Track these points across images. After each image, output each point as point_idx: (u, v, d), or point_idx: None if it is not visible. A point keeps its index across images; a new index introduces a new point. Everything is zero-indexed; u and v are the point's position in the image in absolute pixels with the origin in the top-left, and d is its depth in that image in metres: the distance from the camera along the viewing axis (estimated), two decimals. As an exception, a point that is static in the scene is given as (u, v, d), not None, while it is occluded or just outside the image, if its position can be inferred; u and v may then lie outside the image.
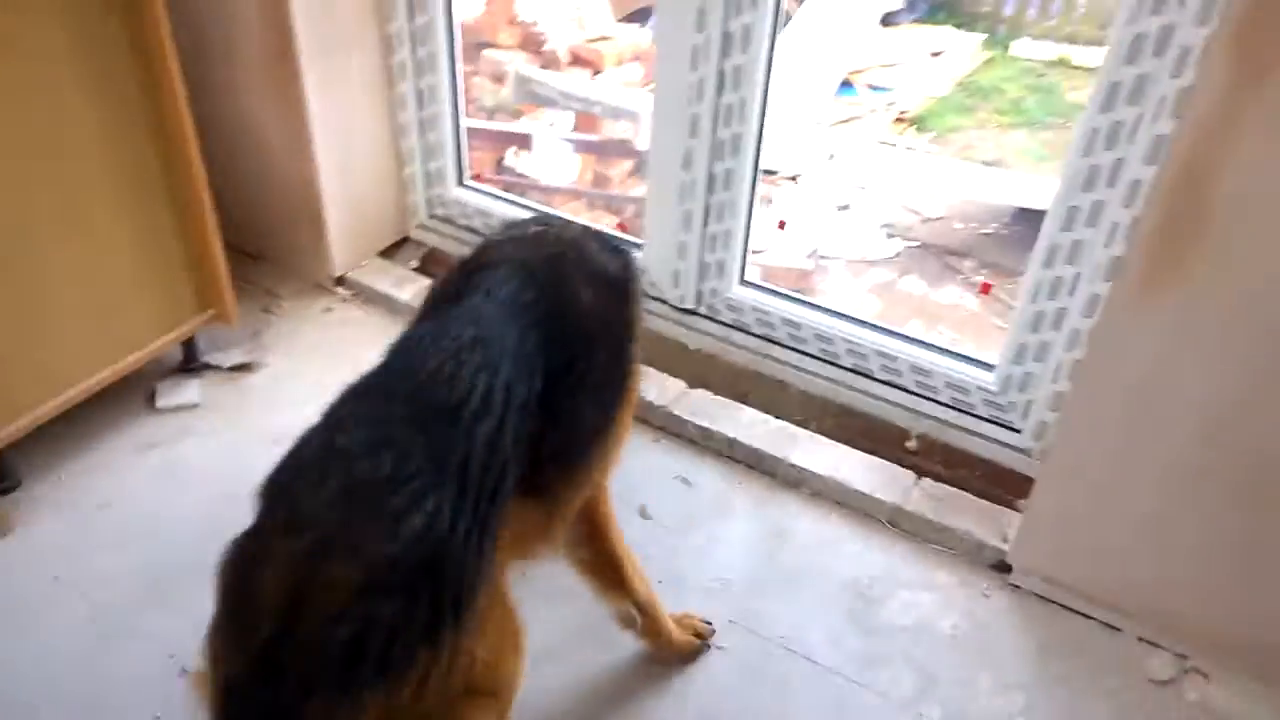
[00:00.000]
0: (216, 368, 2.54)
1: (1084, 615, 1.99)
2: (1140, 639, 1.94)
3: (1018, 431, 2.18)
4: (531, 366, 1.36)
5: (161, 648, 1.91)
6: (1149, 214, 1.57)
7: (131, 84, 2.08)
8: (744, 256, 2.41)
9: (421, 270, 2.86)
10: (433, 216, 2.89)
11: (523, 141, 3.69)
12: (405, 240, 2.94)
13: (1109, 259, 1.86)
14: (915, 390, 2.27)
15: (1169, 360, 1.65)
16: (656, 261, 2.48)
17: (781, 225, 4.38)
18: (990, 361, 2.20)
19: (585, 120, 3.83)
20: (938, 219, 4.68)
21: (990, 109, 5.60)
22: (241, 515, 2.11)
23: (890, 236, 4.53)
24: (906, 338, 2.30)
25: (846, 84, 5.71)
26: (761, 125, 2.23)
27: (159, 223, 2.27)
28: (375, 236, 2.88)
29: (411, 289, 2.75)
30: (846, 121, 5.54)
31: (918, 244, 4.49)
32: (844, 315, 2.36)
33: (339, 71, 2.54)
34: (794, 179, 4.85)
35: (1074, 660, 1.93)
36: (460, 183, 2.83)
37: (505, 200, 2.80)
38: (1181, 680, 1.88)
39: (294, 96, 2.48)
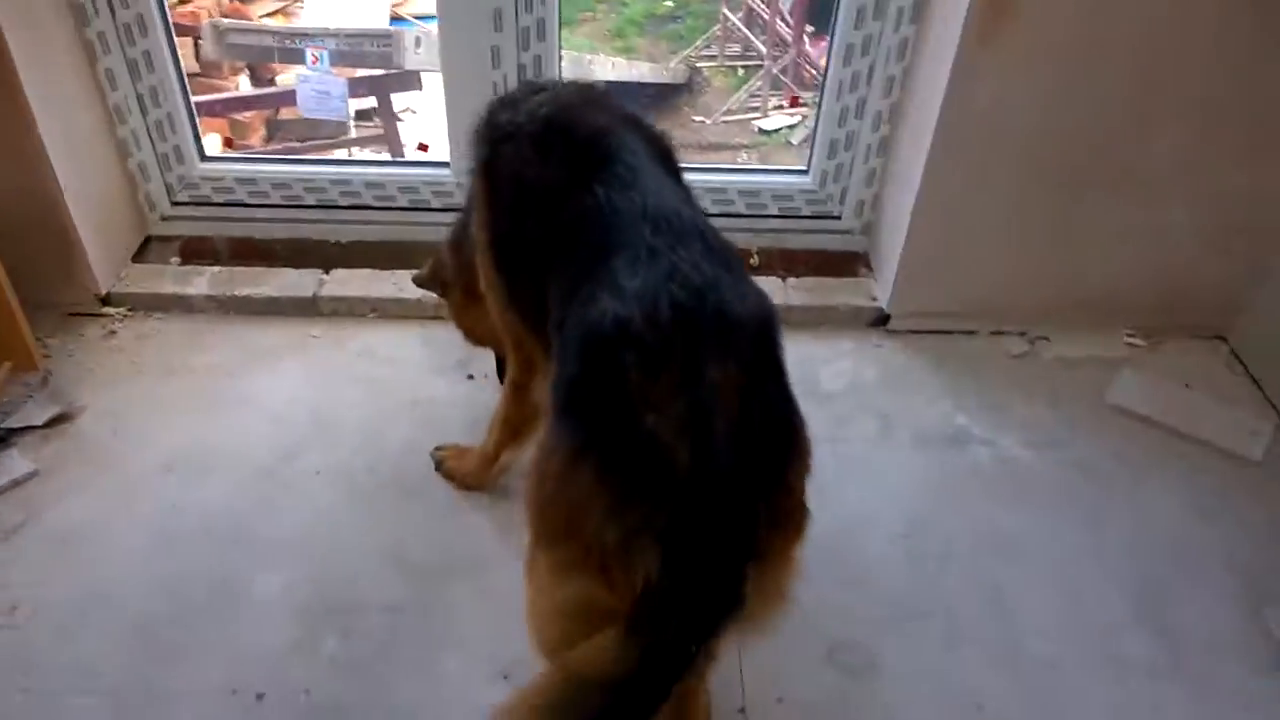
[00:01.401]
0: (29, 429, 2.10)
1: (947, 332, 2.48)
2: (991, 333, 2.48)
3: (838, 218, 2.58)
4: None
5: (208, 688, 1.69)
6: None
7: None
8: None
9: (188, 263, 2.54)
10: (177, 204, 2.57)
11: (283, 100, 3.28)
12: (149, 240, 2.58)
13: (898, 41, 2.28)
14: (748, 213, 2.57)
15: (1006, 94, 2.09)
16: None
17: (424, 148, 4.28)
18: (803, 167, 2.56)
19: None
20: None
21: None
22: (178, 547, 1.90)
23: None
24: (730, 169, 2.59)
25: (398, 19, 5.75)
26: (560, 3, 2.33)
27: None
28: (122, 243, 2.50)
29: (201, 282, 2.46)
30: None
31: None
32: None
33: (46, 51, 2.16)
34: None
35: (961, 363, 2.41)
36: (203, 158, 2.54)
37: (271, 160, 2.58)
38: (1034, 348, 2.45)
39: (6, 83, 2.07)
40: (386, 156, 3.32)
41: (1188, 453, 2.19)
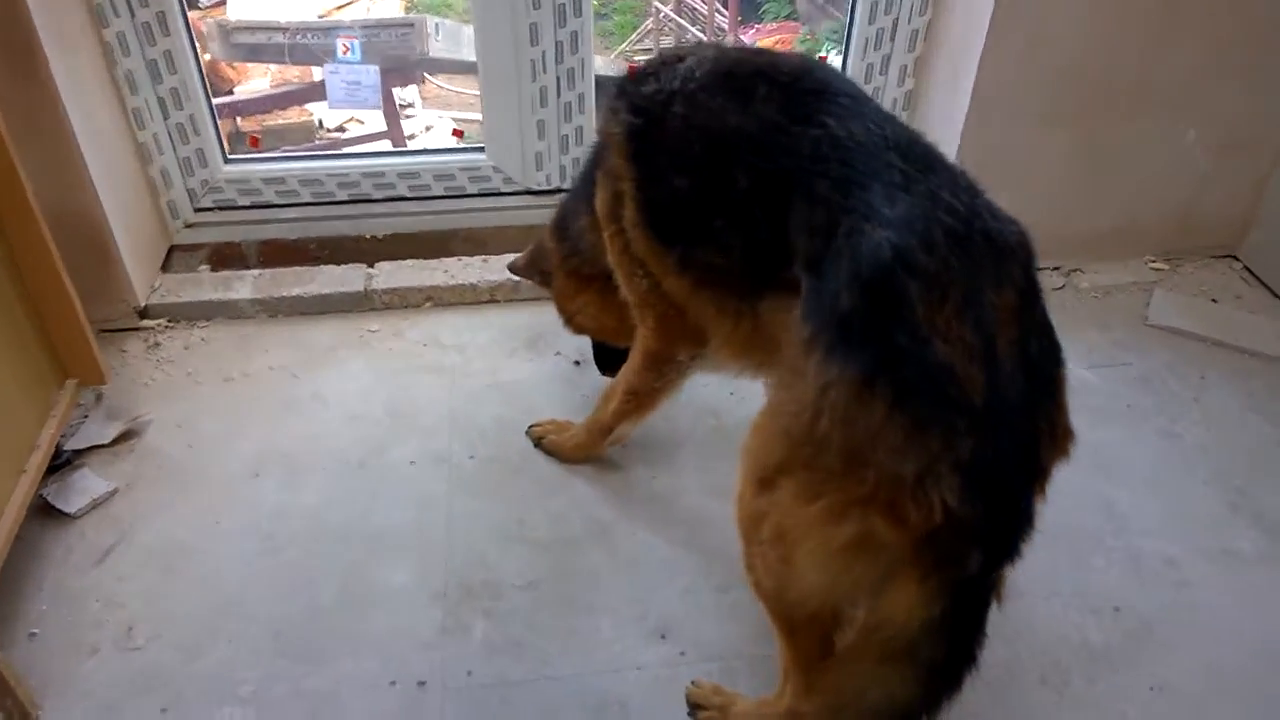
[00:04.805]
0: (96, 448, 1.99)
1: (987, 273, 2.57)
2: (1028, 270, 2.58)
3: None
4: None
5: (363, 683, 1.64)
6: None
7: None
8: (598, 115, 2.50)
9: (220, 269, 2.43)
10: (200, 209, 2.46)
11: (310, 94, 3.10)
12: (172, 250, 2.46)
13: (921, -2, 2.36)
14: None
15: (1041, 33, 2.19)
16: (510, 154, 2.45)
17: (458, 134, 4.01)
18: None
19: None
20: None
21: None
22: (290, 550, 1.89)
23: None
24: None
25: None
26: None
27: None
28: (151, 254, 2.37)
29: (243, 286, 2.36)
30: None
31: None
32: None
33: (78, 62, 2.05)
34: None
35: (1007, 302, 2.50)
36: (227, 160, 2.44)
37: (300, 158, 2.49)
38: (1070, 280, 2.56)
39: (45, 100, 1.95)
40: (420, 146, 3.22)
41: (1232, 360, 2.32)
